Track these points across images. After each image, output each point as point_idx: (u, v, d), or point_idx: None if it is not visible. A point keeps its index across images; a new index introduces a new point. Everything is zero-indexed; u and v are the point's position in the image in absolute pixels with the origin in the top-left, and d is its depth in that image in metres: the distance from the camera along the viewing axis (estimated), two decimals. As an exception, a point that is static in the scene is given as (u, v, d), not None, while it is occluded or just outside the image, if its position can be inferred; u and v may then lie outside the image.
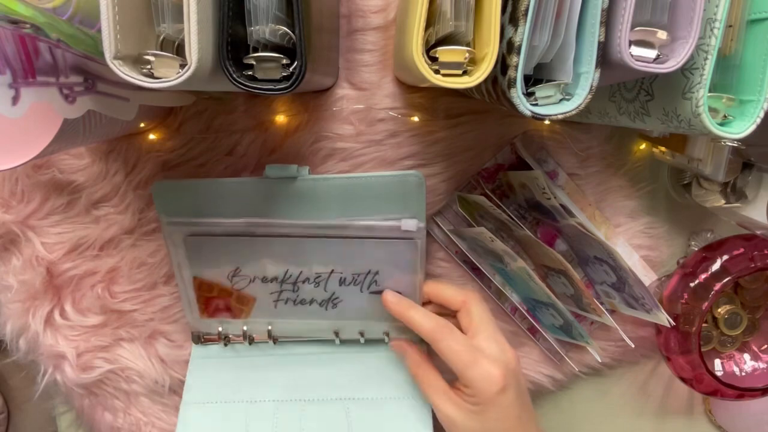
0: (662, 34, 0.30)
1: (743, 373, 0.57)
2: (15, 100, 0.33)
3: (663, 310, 0.48)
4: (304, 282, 0.50)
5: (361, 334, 0.52)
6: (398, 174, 0.46)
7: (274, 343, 0.54)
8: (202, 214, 0.48)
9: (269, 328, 0.53)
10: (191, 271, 0.50)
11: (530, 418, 0.42)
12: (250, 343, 0.54)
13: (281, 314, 0.52)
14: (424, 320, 0.44)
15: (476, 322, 0.44)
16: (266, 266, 0.50)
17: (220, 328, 0.53)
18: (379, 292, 0.49)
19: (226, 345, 0.54)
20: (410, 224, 0.47)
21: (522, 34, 0.30)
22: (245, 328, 0.53)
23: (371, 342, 0.54)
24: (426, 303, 0.50)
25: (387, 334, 0.52)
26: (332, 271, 0.50)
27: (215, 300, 0.52)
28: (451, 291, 0.47)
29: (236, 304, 0.52)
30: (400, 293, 0.49)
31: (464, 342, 0.42)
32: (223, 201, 0.47)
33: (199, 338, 0.54)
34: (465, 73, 0.31)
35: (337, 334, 0.53)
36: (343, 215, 0.47)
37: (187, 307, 0.52)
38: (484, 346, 0.42)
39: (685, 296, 0.51)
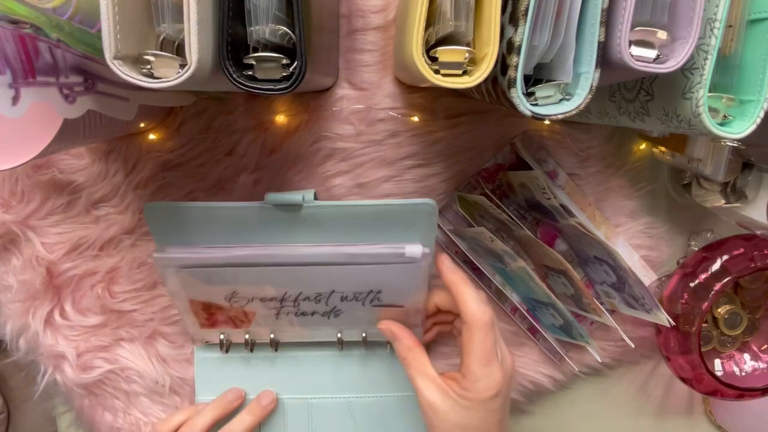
0: (662, 34, 0.30)
1: (743, 373, 0.57)
2: (15, 100, 0.33)
3: (663, 310, 0.48)
4: (304, 300, 0.49)
5: (364, 339, 0.52)
6: (410, 203, 0.43)
7: (275, 351, 0.53)
8: (197, 243, 0.46)
9: (272, 336, 0.52)
10: (186, 295, 0.48)
11: (507, 425, 0.43)
12: (251, 350, 0.53)
13: (283, 324, 0.51)
14: (474, 305, 0.42)
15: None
16: (264, 289, 0.48)
17: (221, 336, 0.52)
18: (382, 306, 0.48)
19: (227, 352, 0.53)
20: (414, 250, 0.44)
21: (522, 34, 0.30)
22: (247, 336, 0.52)
23: (372, 343, 0.54)
24: (430, 315, 0.50)
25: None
26: (333, 291, 0.48)
27: (215, 315, 0.51)
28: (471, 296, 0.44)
29: (236, 317, 0.51)
30: (402, 306, 0.48)
31: (495, 343, 0.42)
32: (220, 228, 0.45)
33: (201, 342, 0.54)
34: (465, 73, 0.31)
35: (339, 339, 0.52)
36: (348, 241, 0.45)
37: (187, 322, 0.51)
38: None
39: (685, 296, 0.51)
